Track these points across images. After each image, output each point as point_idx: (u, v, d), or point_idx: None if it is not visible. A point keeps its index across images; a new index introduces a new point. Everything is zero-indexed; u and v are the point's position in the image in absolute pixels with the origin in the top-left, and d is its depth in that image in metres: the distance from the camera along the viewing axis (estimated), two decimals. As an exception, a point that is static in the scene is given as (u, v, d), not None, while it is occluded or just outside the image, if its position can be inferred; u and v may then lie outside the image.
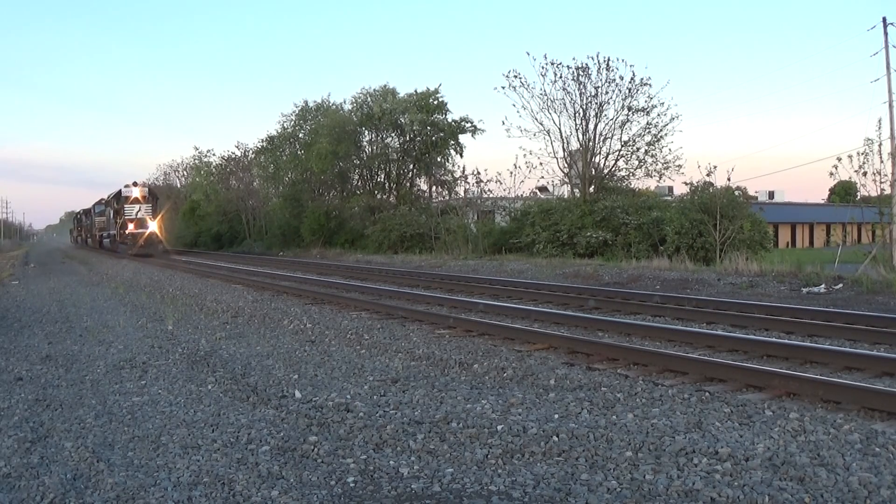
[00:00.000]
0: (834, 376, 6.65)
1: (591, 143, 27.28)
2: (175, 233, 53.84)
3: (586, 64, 26.48)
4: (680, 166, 26.98)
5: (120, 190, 39.08)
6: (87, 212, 60.30)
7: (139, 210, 37.74)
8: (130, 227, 37.33)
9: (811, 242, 60.34)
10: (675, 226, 22.66)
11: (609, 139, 27.40)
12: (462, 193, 34.78)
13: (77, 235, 73.12)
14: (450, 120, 37.30)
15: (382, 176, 40.83)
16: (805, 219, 61.96)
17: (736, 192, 24.83)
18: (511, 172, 30.75)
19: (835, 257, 20.32)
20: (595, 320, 10.40)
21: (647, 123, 26.90)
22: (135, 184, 39.03)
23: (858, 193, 21.06)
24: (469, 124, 37.01)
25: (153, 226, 38.07)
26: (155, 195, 41.51)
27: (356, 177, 42.33)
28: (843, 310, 11.09)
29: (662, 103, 26.81)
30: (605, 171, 28.01)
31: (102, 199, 48.73)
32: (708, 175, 23.60)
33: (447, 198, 36.93)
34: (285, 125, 44.19)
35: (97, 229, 50.07)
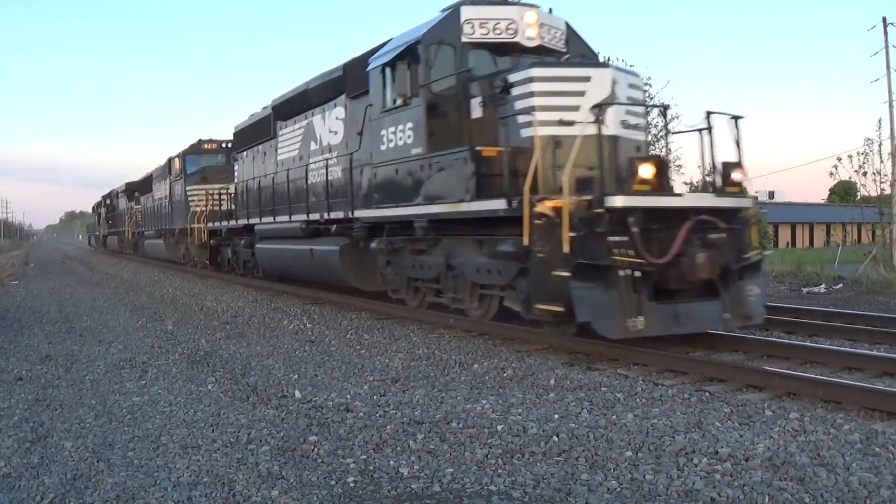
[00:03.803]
0: (834, 376, 6.64)
1: (590, 143, 27.24)
2: None
3: (586, 64, 26.47)
4: (680, 166, 26.97)
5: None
6: (134, 189, 33.11)
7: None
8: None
9: (811, 242, 60.34)
10: (676, 226, 22.57)
11: (609, 139, 27.35)
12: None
13: (106, 234, 45.22)
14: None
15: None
16: (805, 219, 62.01)
17: (736, 192, 24.77)
18: (511, 172, 30.62)
19: (835, 257, 20.31)
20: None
21: (647, 123, 26.85)
22: None
23: (858, 193, 21.09)
24: (469, 124, 36.98)
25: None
26: None
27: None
28: (843, 310, 11.07)
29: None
30: (605, 170, 27.96)
31: (218, 142, 23.14)
32: (708, 175, 23.56)
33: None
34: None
35: (202, 216, 20.36)
